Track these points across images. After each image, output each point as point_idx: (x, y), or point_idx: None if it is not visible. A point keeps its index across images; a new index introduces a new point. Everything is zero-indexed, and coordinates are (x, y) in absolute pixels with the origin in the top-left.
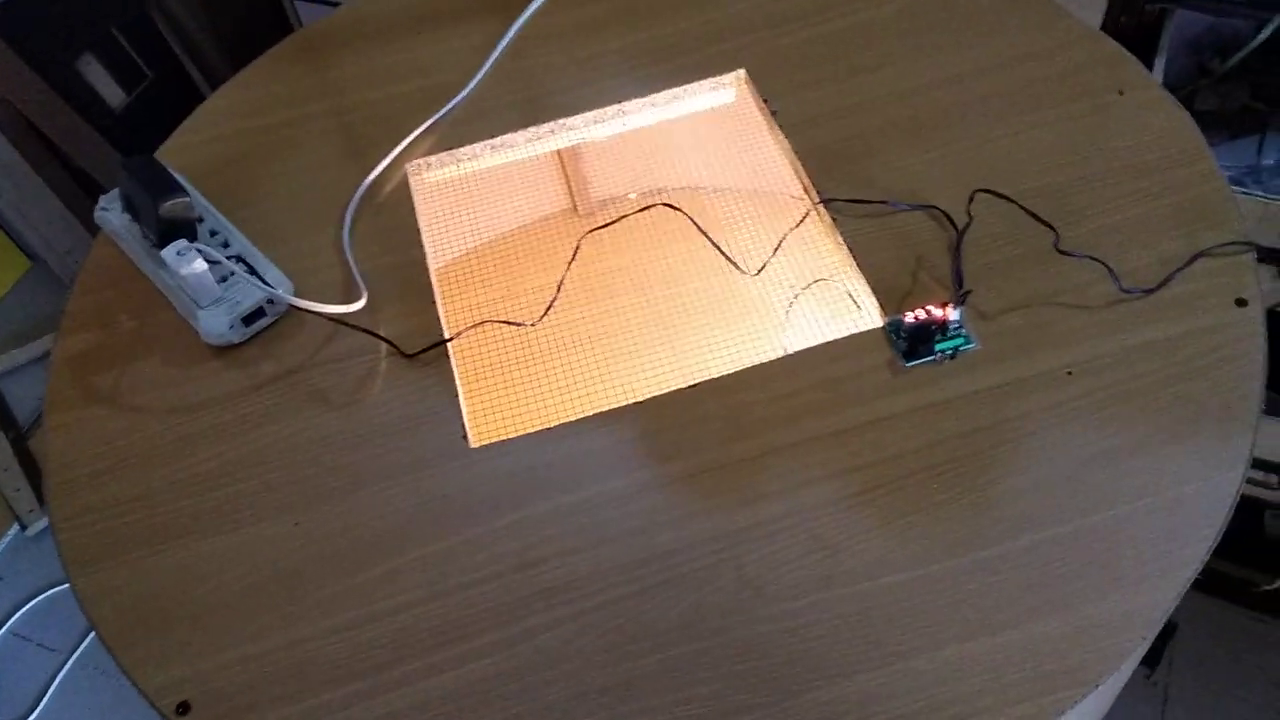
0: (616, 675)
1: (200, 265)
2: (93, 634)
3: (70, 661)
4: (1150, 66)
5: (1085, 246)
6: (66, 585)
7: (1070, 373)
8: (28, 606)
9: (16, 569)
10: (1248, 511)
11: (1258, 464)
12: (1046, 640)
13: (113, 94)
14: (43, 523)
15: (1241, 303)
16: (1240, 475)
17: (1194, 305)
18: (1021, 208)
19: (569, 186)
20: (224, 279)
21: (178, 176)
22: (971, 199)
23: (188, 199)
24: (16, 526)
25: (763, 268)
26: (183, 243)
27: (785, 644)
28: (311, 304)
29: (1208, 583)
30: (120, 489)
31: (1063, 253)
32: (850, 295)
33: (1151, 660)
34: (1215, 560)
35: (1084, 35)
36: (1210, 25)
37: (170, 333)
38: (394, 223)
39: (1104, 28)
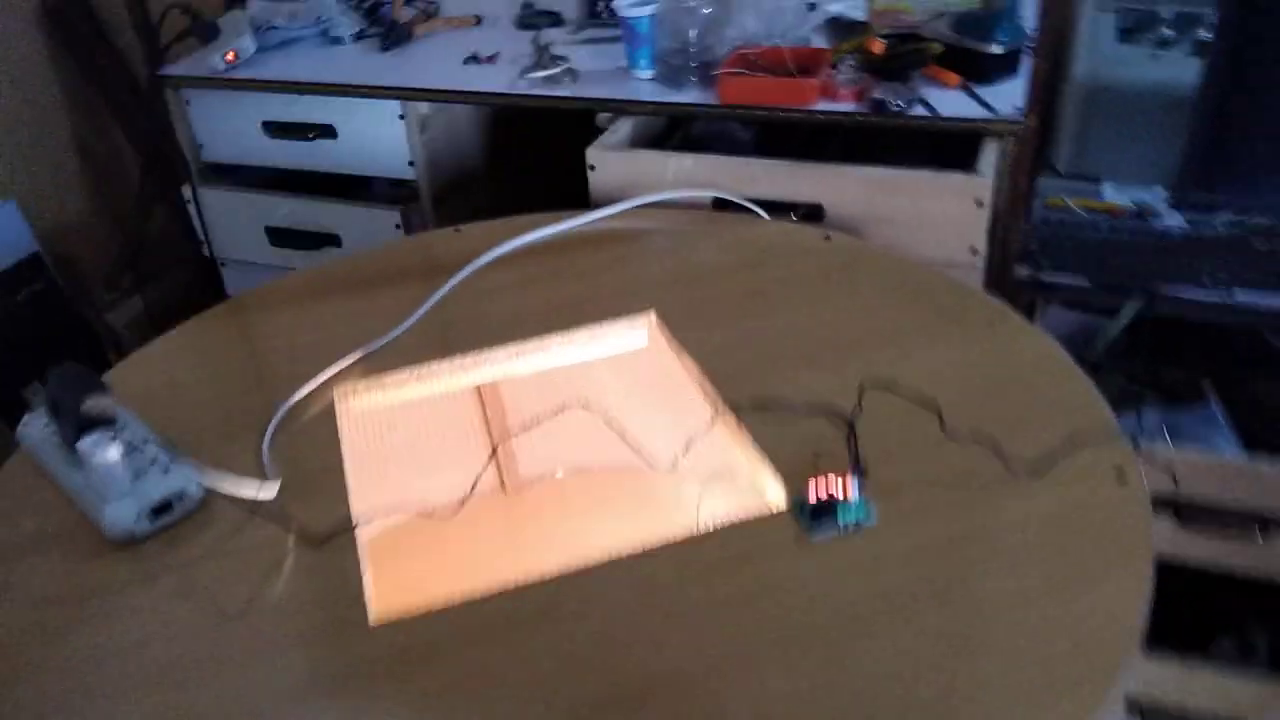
0: None
1: (114, 453)
2: None
3: None
4: None
5: (971, 435)
6: None
7: (966, 542)
8: None
9: None
10: None
11: (1148, 713)
12: None
13: None
14: None
15: (1122, 479)
16: (1141, 607)
17: (1078, 482)
18: (908, 399)
19: (485, 417)
20: (136, 475)
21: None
22: (861, 393)
23: (110, 400)
24: None
25: (674, 463)
26: (99, 433)
27: None
28: (222, 483)
29: None
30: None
31: (950, 439)
32: (757, 486)
33: None
34: None
35: (956, 287)
36: (1080, 322)
37: (73, 530)
38: (316, 439)
39: None
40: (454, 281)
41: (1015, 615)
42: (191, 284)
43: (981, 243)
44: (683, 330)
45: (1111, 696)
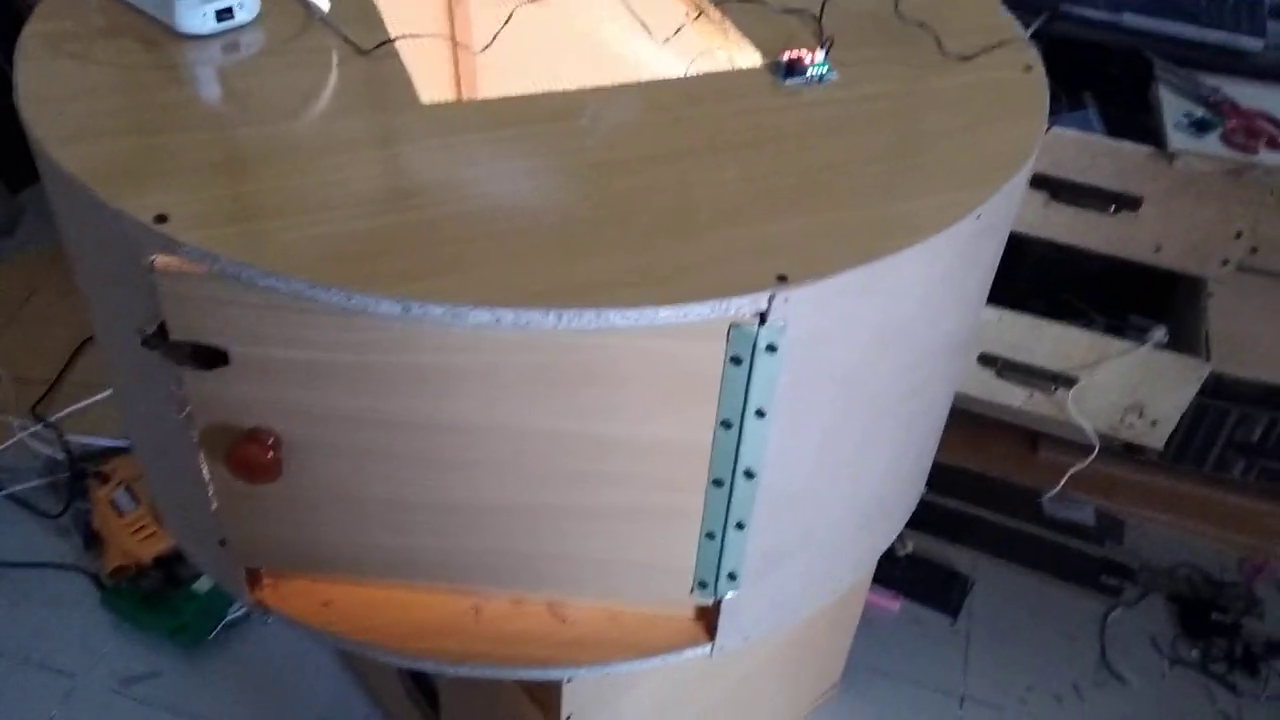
0: None
1: None
2: None
3: None
4: None
5: (917, 27)
6: None
7: (910, 95)
8: None
9: None
10: (1025, 496)
11: (1036, 373)
12: (899, 215)
13: None
14: None
15: (1028, 70)
16: (1035, 141)
17: (996, 67)
18: None
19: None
20: None
21: None
22: None
23: None
24: None
25: (670, 37)
26: None
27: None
28: None
29: (999, 547)
30: (95, 104)
31: (900, 16)
32: (738, 61)
33: (954, 610)
34: (1006, 519)
35: None
36: None
37: (141, 27)
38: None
39: None
40: None
41: (943, 140)
42: None
43: None
44: None
45: (1011, 187)
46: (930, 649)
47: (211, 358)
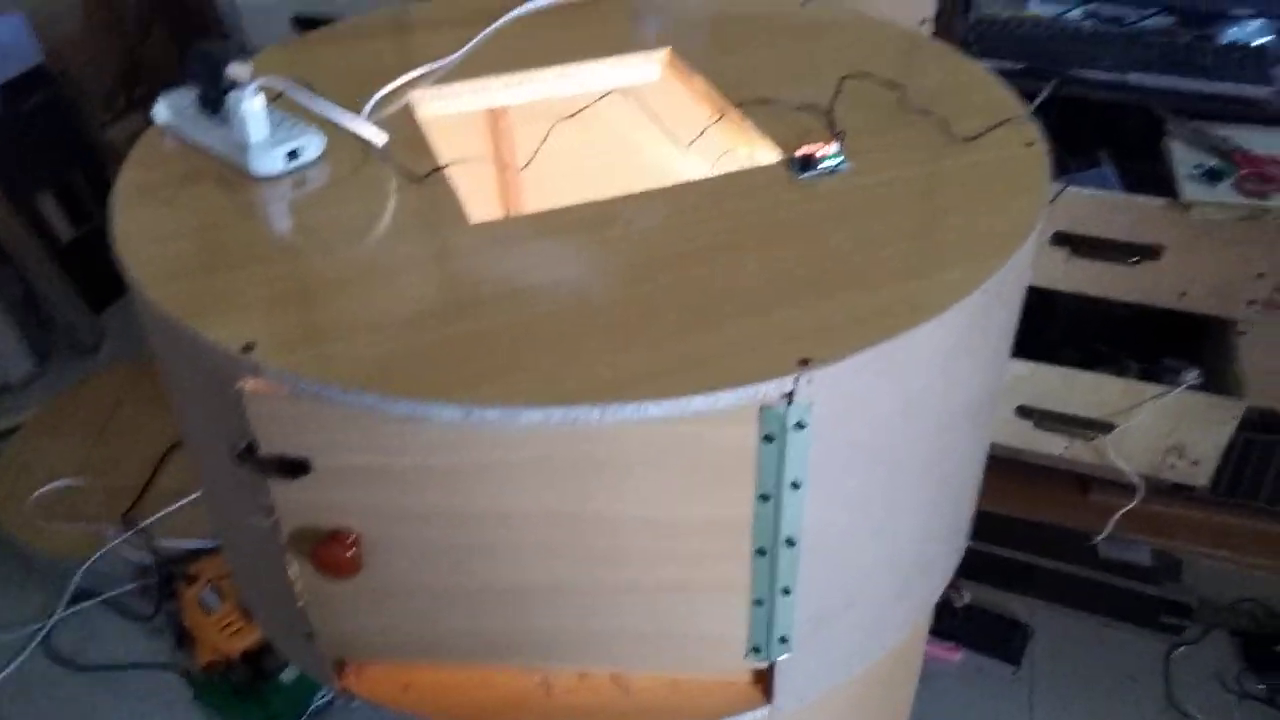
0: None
1: (260, 102)
2: None
3: None
4: None
5: (924, 113)
6: None
7: (918, 179)
8: None
9: None
10: (1079, 540)
11: (1074, 422)
12: (910, 293)
13: (63, 229)
14: None
15: (1030, 146)
16: (1038, 214)
17: (999, 145)
18: (877, 79)
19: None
20: (273, 126)
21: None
22: (841, 82)
23: (249, 65)
24: None
25: (694, 140)
26: (244, 88)
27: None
28: (349, 122)
29: (1056, 592)
30: (183, 245)
31: (907, 103)
32: (756, 159)
33: (1015, 659)
34: (1061, 564)
35: (912, 35)
36: None
37: (218, 171)
38: (399, 124)
39: None
40: (504, 19)
41: (950, 219)
42: None
43: (930, 13)
44: (689, 62)
45: (1016, 259)
46: (994, 698)
47: (295, 468)
